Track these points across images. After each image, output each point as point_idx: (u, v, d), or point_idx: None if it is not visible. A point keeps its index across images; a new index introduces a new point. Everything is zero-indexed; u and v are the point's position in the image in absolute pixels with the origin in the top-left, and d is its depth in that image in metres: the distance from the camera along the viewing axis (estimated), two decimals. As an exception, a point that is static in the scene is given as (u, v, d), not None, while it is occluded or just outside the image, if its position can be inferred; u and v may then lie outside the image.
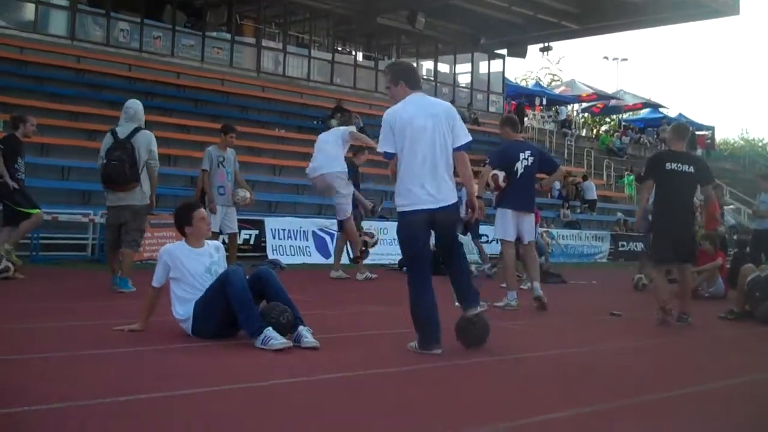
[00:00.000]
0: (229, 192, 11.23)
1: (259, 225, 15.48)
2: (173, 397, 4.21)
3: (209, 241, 6.42)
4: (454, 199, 6.00)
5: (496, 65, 34.14)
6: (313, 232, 16.08)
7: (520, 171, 9.19)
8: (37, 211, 10.29)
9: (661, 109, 46.81)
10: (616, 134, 43.44)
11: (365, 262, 12.72)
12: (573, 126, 40.51)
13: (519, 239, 9.45)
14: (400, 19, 28.87)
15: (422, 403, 4.39)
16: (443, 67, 33.26)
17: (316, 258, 15.91)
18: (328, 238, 16.05)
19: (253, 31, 27.63)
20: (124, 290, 8.91)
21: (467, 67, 33.63)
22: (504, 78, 35.12)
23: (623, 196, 31.18)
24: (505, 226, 9.25)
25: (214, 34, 26.54)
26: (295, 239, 15.92)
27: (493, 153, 9.95)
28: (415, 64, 5.93)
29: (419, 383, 4.98)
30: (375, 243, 13.03)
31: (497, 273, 13.29)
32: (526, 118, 34.11)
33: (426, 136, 5.79)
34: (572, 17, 29.77)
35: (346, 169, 11.64)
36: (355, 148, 12.39)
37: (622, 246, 23.84)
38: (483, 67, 33.99)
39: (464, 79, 33.86)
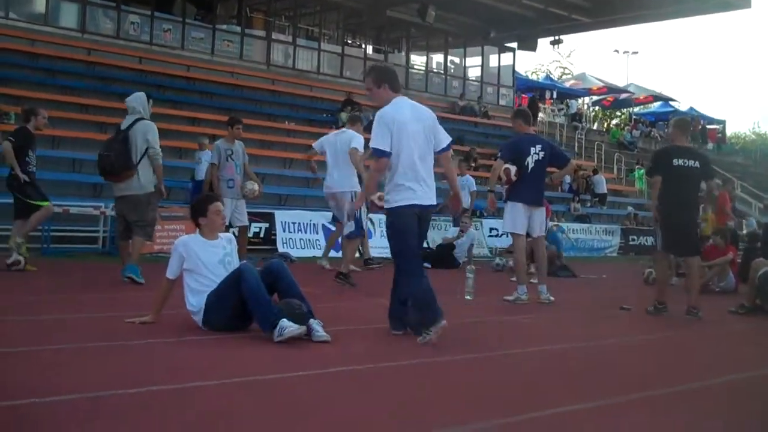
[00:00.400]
0: (238, 185, 11.25)
1: (269, 218, 15.50)
2: (184, 390, 4.23)
3: (222, 234, 6.45)
4: (435, 201, 6.45)
5: (506, 58, 34.05)
6: (323, 225, 16.07)
7: (531, 165, 9.18)
8: (47, 203, 10.32)
9: (671, 103, 46.64)
10: (626, 128, 43.31)
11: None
12: (583, 119, 40.39)
13: (528, 233, 9.47)
14: (410, 12, 28.81)
15: (430, 397, 4.39)
16: (453, 61, 33.22)
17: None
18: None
19: (263, 24, 27.62)
20: (133, 276, 8.97)
21: (477, 60, 33.55)
22: (514, 71, 35.02)
23: (634, 190, 31.09)
24: (515, 220, 9.25)
25: (224, 27, 26.53)
26: (305, 232, 15.93)
27: (505, 146, 9.95)
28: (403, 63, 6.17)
29: (428, 377, 4.98)
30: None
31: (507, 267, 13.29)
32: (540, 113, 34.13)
33: (420, 138, 6.21)
34: (583, 10, 29.66)
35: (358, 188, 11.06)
36: None
37: (633, 240, 23.79)
38: (493, 60, 33.91)
39: (474, 73, 33.79)
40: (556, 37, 32.32)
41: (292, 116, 23.93)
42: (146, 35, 23.75)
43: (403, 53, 31.68)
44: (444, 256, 14.98)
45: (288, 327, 5.52)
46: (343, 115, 23.73)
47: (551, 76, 50.89)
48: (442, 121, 30.63)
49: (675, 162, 8.63)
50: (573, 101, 40.98)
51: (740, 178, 35.43)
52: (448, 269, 14.28)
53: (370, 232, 17.15)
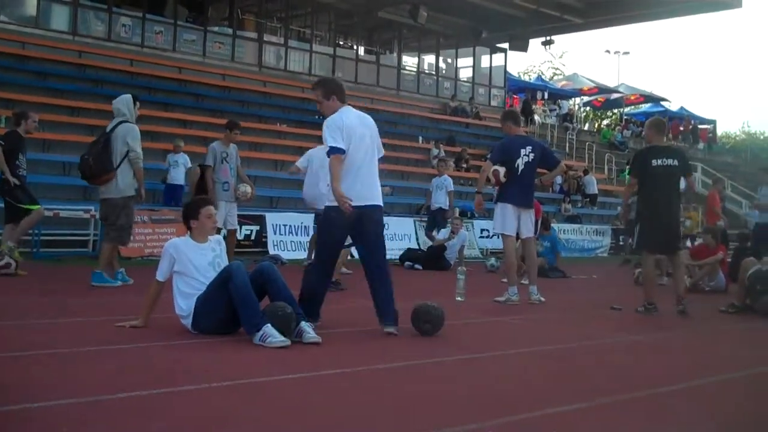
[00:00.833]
0: (232, 188, 11.26)
1: (260, 220, 15.50)
2: (174, 394, 4.23)
3: (211, 236, 6.45)
4: (381, 201, 6.80)
5: (497, 59, 34.09)
6: (314, 227, 16.06)
7: (521, 167, 9.21)
8: (38, 207, 10.30)
9: (662, 103, 46.75)
10: (617, 128, 43.39)
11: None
12: (575, 120, 40.47)
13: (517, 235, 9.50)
14: (402, 13, 28.85)
15: (423, 398, 4.40)
16: (445, 61, 33.25)
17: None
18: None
19: (255, 26, 27.61)
20: (94, 284, 9.06)
21: (469, 61, 33.61)
22: (506, 72, 35.08)
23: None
24: (505, 221, 9.28)
25: (216, 28, 26.49)
26: (296, 234, 15.92)
27: (495, 148, 9.98)
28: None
29: (420, 378, 4.99)
30: None
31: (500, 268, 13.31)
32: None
33: (365, 143, 6.57)
34: (575, 11, 29.75)
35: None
36: None
37: (624, 240, 23.78)
38: (485, 61, 33.96)
39: (466, 73, 33.84)
40: (548, 38, 32.38)
41: (284, 118, 23.91)
42: (137, 37, 23.70)
43: (395, 54, 31.69)
44: (435, 257, 15.01)
45: (271, 336, 5.54)
46: (335, 117, 23.71)
47: (543, 76, 50.99)
48: (434, 122, 30.75)
49: (653, 162, 8.84)
50: (564, 102, 41.06)
51: (731, 178, 35.54)
52: (440, 271, 14.32)
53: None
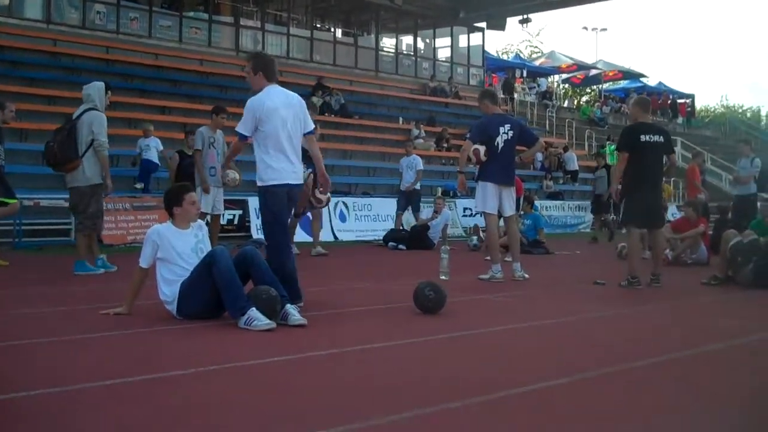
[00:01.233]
0: (219, 173, 11.22)
1: (243, 205, 15.46)
2: (160, 380, 4.23)
3: (192, 222, 6.43)
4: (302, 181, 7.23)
5: (475, 38, 34.04)
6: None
7: (500, 145, 9.24)
8: (15, 200, 10.21)
9: (641, 79, 46.88)
10: (596, 104, 43.48)
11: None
12: (554, 97, 40.53)
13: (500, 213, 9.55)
14: (379, -6, 28.76)
15: (410, 378, 4.41)
16: (423, 42, 33.18)
17: (300, 236, 15.89)
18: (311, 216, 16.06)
19: (231, 10, 27.39)
20: (76, 272, 9.07)
21: (447, 41, 33.55)
22: (484, 51, 35.02)
23: (605, 166, 31.22)
24: (486, 199, 9.32)
25: (192, 14, 26.29)
26: (279, 218, 15.84)
27: (474, 127, 9.99)
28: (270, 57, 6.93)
29: (406, 358, 5.00)
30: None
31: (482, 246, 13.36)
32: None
33: (288, 123, 6.72)
34: (552, -12, 29.74)
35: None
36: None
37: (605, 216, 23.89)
38: (463, 40, 33.92)
39: (444, 53, 33.79)
40: (525, 16, 32.35)
41: (263, 102, 23.77)
42: (113, 24, 23.47)
43: (373, 36, 31.59)
44: (419, 237, 15.04)
45: (256, 320, 5.55)
46: (315, 99, 23.66)
47: (521, 55, 50.96)
48: (414, 102, 30.64)
49: (642, 138, 8.99)
50: (543, 79, 41.09)
51: (710, 151, 35.69)
52: (424, 250, 14.35)
53: (343, 215, 17.22)
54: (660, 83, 47.13)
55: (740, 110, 73.49)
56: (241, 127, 6.73)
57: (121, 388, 4.02)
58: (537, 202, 20.62)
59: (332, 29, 31.45)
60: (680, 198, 26.14)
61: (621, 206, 9.37)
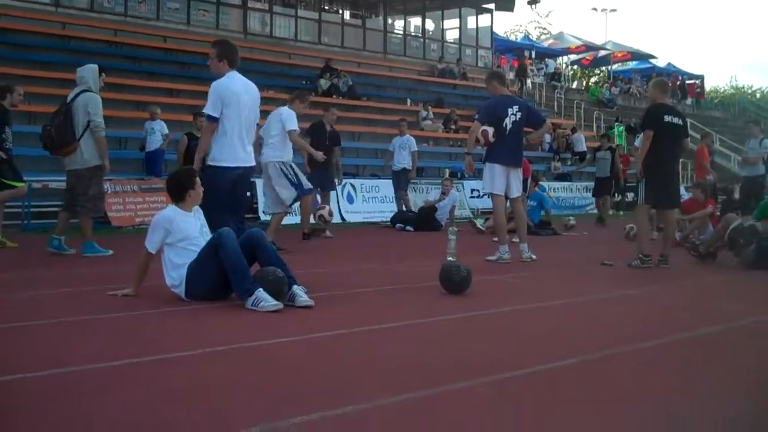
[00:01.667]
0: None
1: (251, 186, 15.42)
2: (167, 360, 4.25)
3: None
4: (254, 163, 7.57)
5: (484, 20, 33.87)
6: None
7: (509, 126, 9.22)
8: (22, 184, 10.22)
9: (650, 60, 46.66)
10: (605, 85, 43.31)
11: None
12: (562, 79, 40.38)
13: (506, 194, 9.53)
14: (387, -25, 28.62)
15: (416, 359, 4.42)
16: (431, 24, 33.05)
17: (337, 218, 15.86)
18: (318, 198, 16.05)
19: (238, -8, 27.34)
20: (85, 254, 9.13)
21: (455, 22, 33.39)
22: (492, 32, 34.88)
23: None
24: (494, 180, 9.30)
25: (199, -5, 26.25)
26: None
27: (482, 108, 9.96)
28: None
29: (413, 339, 5.01)
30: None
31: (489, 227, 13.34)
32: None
33: (248, 109, 7.25)
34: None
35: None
36: (324, 105, 12.10)
37: (613, 197, 23.83)
38: (471, 22, 33.75)
39: (452, 35, 33.63)
40: (534, -3, 32.18)
41: (271, 84, 23.72)
42: (120, 7, 23.42)
43: (381, 18, 31.45)
44: (426, 218, 15.03)
45: (263, 301, 5.57)
46: (322, 82, 23.61)
47: (529, 36, 50.75)
48: (422, 84, 30.49)
49: (665, 118, 9.10)
50: (551, 61, 40.93)
51: (719, 132, 35.55)
52: (431, 231, 14.34)
53: (351, 196, 17.22)
54: (669, 64, 46.95)
55: (750, 91, 73.13)
56: (210, 109, 7.08)
57: (128, 369, 4.04)
58: (545, 184, 20.61)
59: (340, 11, 31.33)
60: (689, 179, 26.04)
61: (640, 185, 9.37)
